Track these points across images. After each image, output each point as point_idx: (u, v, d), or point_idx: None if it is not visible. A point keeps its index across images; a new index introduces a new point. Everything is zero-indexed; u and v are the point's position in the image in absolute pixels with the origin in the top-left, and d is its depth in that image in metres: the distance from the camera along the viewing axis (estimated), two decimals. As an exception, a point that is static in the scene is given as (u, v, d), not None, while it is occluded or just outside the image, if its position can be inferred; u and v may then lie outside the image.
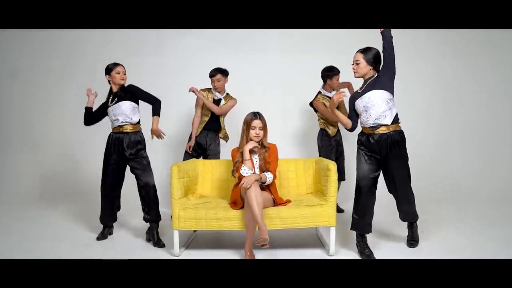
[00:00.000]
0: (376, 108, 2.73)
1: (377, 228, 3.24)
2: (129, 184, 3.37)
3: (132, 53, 4.73)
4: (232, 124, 4.20)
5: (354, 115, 2.90)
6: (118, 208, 3.39)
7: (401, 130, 2.83)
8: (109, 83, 3.27)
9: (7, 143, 5.24)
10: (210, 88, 3.91)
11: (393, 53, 2.73)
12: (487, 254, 2.79)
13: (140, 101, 3.29)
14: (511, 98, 5.06)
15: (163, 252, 2.99)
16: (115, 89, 3.24)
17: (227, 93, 3.95)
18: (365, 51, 2.79)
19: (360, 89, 2.84)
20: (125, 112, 3.17)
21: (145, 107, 3.34)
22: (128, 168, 3.29)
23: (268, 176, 2.89)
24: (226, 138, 4.00)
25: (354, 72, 2.84)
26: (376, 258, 2.78)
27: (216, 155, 3.89)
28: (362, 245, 2.84)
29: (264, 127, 2.93)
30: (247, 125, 2.92)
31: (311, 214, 2.81)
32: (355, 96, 2.86)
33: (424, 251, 2.90)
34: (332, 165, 2.87)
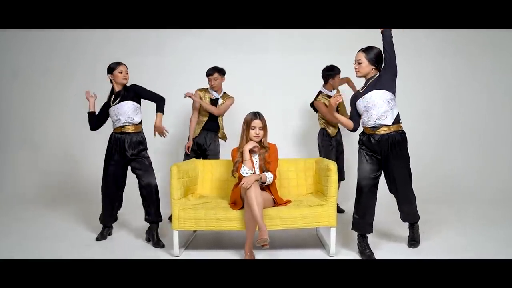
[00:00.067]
0: (377, 108, 2.72)
1: (378, 228, 3.24)
2: (129, 184, 3.36)
3: (132, 53, 4.72)
4: (231, 124, 4.19)
5: (355, 115, 2.90)
6: (119, 208, 3.37)
7: (403, 131, 2.82)
8: (111, 82, 3.25)
9: (7, 143, 5.23)
10: (207, 88, 3.89)
11: (393, 53, 2.72)
12: (488, 254, 2.79)
13: (141, 102, 3.27)
14: (511, 98, 5.05)
15: (162, 252, 2.99)
16: (117, 89, 3.22)
17: (224, 92, 3.95)
18: (367, 50, 2.78)
19: (362, 88, 2.84)
20: (127, 112, 3.15)
21: (147, 108, 3.33)
22: (129, 168, 3.28)
23: (268, 176, 2.88)
24: (224, 138, 3.99)
25: (356, 71, 2.83)
26: (377, 258, 2.78)
27: (216, 155, 3.88)
28: (363, 245, 2.83)
29: (264, 127, 2.93)
30: (247, 125, 2.92)
31: (311, 215, 2.80)
32: (356, 96, 2.85)
33: (425, 252, 2.89)
34: (333, 165, 2.86)
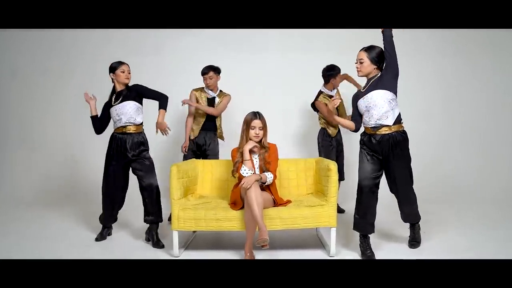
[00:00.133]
0: (378, 108, 2.71)
1: (379, 228, 3.22)
2: (129, 185, 3.35)
3: (132, 53, 4.71)
4: (229, 123, 4.18)
5: (357, 115, 2.88)
6: (119, 208, 3.36)
7: (404, 131, 2.80)
8: (113, 81, 3.22)
9: (6, 143, 5.22)
10: (203, 87, 3.87)
11: (394, 53, 2.71)
12: (489, 254, 2.78)
13: (143, 102, 3.26)
14: (511, 98, 5.05)
15: (162, 253, 2.98)
16: (119, 88, 3.20)
17: (220, 90, 3.92)
18: (369, 49, 2.77)
19: (363, 88, 2.83)
20: (129, 112, 3.13)
21: (147, 108, 3.31)
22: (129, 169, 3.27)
23: (268, 176, 2.87)
24: (221, 137, 3.97)
25: (358, 71, 2.82)
26: (378, 258, 2.77)
27: (216, 155, 3.87)
28: (364, 246, 2.82)
29: (264, 127, 2.92)
30: (247, 125, 2.91)
31: (311, 215, 2.79)
32: (357, 96, 2.84)
33: (426, 252, 2.88)
34: (333, 165, 2.86)
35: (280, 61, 4.98)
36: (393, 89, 2.74)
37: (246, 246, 2.76)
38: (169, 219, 3.43)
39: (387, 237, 3.21)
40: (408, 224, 3.03)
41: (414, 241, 2.98)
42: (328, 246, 2.91)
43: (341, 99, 4.10)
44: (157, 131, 3.22)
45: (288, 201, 3.00)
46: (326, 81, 3.99)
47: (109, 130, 3.31)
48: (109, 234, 3.37)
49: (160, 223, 3.22)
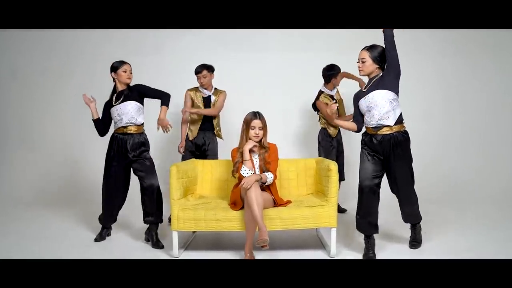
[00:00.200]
0: (379, 108, 2.69)
1: (380, 228, 3.21)
2: (130, 185, 3.34)
3: (131, 53, 4.70)
4: (230, 123, 4.17)
5: (358, 115, 2.87)
6: (119, 209, 3.35)
7: (405, 131, 2.79)
8: (114, 81, 3.20)
9: (5, 143, 5.21)
10: (197, 87, 3.85)
11: (395, 52, 2.69)
12: (489, 255, 2.77)
13: (144, 103, 3.24)
14: (511, 98, 5.03)
15: (162, 253, 2.97)
16: (120, 88, 3.18)
17: (215, 88, 3.89)
18: (371, 48, 2.75)
19: (365, 88, 2.81)
20: (131, 112, 3.11)
21: (147, 108, 3.30)
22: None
23: (269, 177, 2.86)
24: (220, 136, 3.93)
25: (360, 70, 2.80)
26: (378, 258, 2.76)
27: (215, 155, 3.85)
28: (367, 246, 2.81)
29: (264, 127, 2.91)
30: (247, 124, 2.90)
31: (311, 215, 2.78)
32: (359, 96, 2.83)
33: (426, 252, 2.87)
34: (333, 165, 2.84)
35: (280, 61, 4.97)
36: (395, 89, 2.72)
37: (246, 246, 2.75)
38: (169, 220, 3.41)
39: (388, 238, 3.20)
40: (409, 224, 3.01)
41: (415, 241, 2.97)
42: (328, 247, 2.90)
43: (341, 98, 4.12)
44: (158, 128, 3.19)
45: (288, 202, 2.99)
46: (327, 81, 3.99)
47: (109, 130, 3.30)
48: (109, 234, 3.36)
49: (160, 224, 3.21)
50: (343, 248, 3.01)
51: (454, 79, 5.05)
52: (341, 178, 4.01)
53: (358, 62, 2.80)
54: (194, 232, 3.35)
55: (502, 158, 4.98)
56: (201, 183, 3.33)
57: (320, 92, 4.01)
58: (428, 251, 2.89)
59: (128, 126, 3.14)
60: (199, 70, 3.78)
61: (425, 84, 5.01)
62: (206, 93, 3.83)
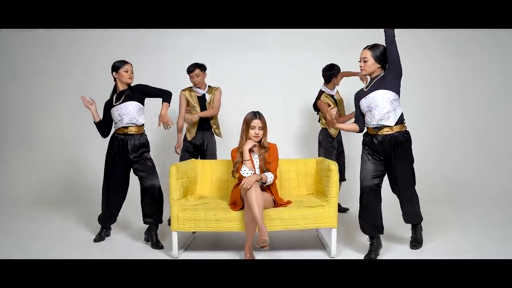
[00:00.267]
0: (380, 109, 2.68)
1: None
2: (129, 185, 3.32)
3: (131, 53, 4.68)
4: (230, 123, 4.16)
5: (360, 115, 2.84)
6: (119, 209, 3.33)
7: (406, 131, 2.77)
8: (115, 80, 3.17)
9: (4, 143, 5.19)
10: (191, 87, 3.82)
11: (396, 53, 2.66)
12: (491, 255, 2.76)
13: (144, 104, 3.22)
14: (512, 98, 5.04)
15: (161, 253, 2.96)
16: (121, 88, 3.15)
17: (209, 86, 3.86)
18: (373, 47, 2.73)
19: (366, 87, 2.79)
20: (132, 112, 3.09)
21: (147, 109, 3.28)
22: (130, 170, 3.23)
23: (269, 177, 2.85)
24: (218, 134, 3.90)
25: (361, 69, 2.78)
26: (379, 258, 2.75)
27: (214, 155, 3.83)
28: (371, 248, 2.78)
29: (263, 127, 2.90)
30: (247, 124, 2.89)
31: (312, 215, 2.77)
32: (360, 95, 2.81)
33: (427, 253, 2.86)
34: (334, 166, 2.83)
35: (280, 61, 4.96)
36: (395, 89, 2.70)
37: (246, 247, 2.74)
38: (169, 221, 3.39)
39: (389, 238, 3.18)
40: (409, 225, 3.00)
41: (416, 242, 2.95)
42: (328, 247, 2.88)
43: (341, 98, 4.11)
44: (159, 124, 3.15)
45: (289, 202, 2.97)
46: (327, 81, 3.98)
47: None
48: (108, 235, 3.34)
49: (159, 224, 3.19)
50: (344, 248, 2.99)
51: (455, 79, 5.04)
52: (342, 178, 4.00)
53: (360, 61, 2.78)
54: (193, 232, 3.33)
55: (503, 158, 4.97)
56: (201, 183, 3.31)
57: (321, 92, 3.99)
58: (429, 252, 2.88)
59: (129, 126, 3.12)
60: (191, 69, 3.74)
61: (425, 84, 5.00)
62: (200, 92, 3.79)
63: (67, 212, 4.19)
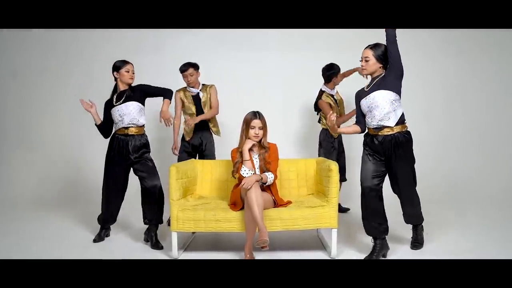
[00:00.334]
0: (380, 109, 2.66)
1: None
2: (129, 185, 3.32)
3: (130, 52, 4.67)
4: (230, 123, 4.15)
5: (360, 116, 2.82)
6: (118, 208, 3.32)
7: (407, 131, 2.75)
8: (115, 80, 3.16)
9: (4, 143, 5.18)
10: (185, 87, 3.79)
11: (397, 53, 2.64)
12: (491, 255, 2.76)
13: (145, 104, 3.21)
14: (513, 98, 5.04)
15: (161, 254, 2.95)
16: (122, 88, 3.14)
17: (203, 84, 3.82)
18: (374, 47, 2.72)
19: (367, 87, 2.77)
20: (132, 113, 3.07)
21: (148, 109, 3.27)
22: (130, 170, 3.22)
23: (269, 177, 2.84)
24: (217, 133, 3.88)
25: (363, 69, 2.76)
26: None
27: (213, 155, 3.81)
28: (373, 248, 2.76)
29: (263, 127, 2.89)
30: (247, 124, 2.88)
31: (312, 216, 2.76)
32: (360, 95, 2.79)
33: (428, 253, 2.86)
34: (334, 166, 2.82)
35: (280, 60, 4.96)
36: (396, 89, 2.68)
37: (246, 247, 2.73)
38: (168, 222, 3.38)
39: (389, 238, 3.14)
40: (410, 225, 2.99)
41: (417, 242, 2.94)
42: (329, 248, 2.88)
43: (341, 98, 4.10)
44: (161, 121, 3.14)
45: (289, 202, 2.97)
46: (327, 81, 3.97)
47: (108, 130, 3.28)
48: (107, 235, 3.34)
49: (159, 224, 3.18)
50: (344, 248, 2.98)
51: (455, 79, 5.03)
52: (343, 178, 3.99)
53: (361, 60, 2.76)
54: (193, 233, 3.33)
55: (503, 158, 4.96)
56: (200, 184, 3.30)
57: (321, 92, 3.98)
58: (429, 252, 2.88)
59: (130, 127, 3.11)
60: (184, 68, 3.70)
61: (426, 84, 4.99)
62: (194, 91, 3.76)
63: (67, 212, 4.19)
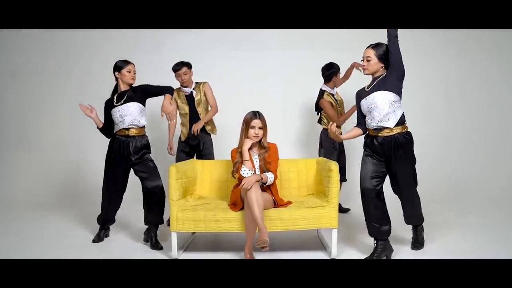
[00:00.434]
0: (379, 110, 2.64)
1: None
2: (128, 186, 3.31)
3: (130, 52, 4.66)
4: (230, 123, 4.14)
5: (361, 117, 2.81)
6: (117, 208, 3.31)
7: (408, 132, 2.73)
8: (116, 80, 3.14)
9: (3, 143, 5.17)
10: (179, 87, 3.75)
11: (398, 54, 2.63)
12: (491, 255, 2.75)
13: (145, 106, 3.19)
14: (514, 98, 5.03)
15: (161, 254, 2.94)
16: (123, 88, 3.11)
17: (196, 82, 3.79)
18: (376, 46, 2.70)
19: (368, 87, 2.76)
20: (134, 113, 3.05)
21: (149, 111, 3.26)
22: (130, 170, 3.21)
23: (269, 177, 2.84)
24: (212, 131, 3.85)
25: (364, 69, 2.75)
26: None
27: (211, 155, 3.79)
28: (374, 249, 2.75)
29: (263, 127, 2.88)
30: (247, 124, 2.87)
31: (312, 216, 2.75)
32: (361, 95, 2.78)
33: (428, 253, 2.85)
34: (334, 166, 2.81)
35: (280, 60, 4.95)
36: (396, 90, 2.66)
37: (246, 247, 2.73)
38: (168, 222, 3.37)
39: (390, 238, 3.16)
40: (411, 225, 2.98)
41: (417, 243, 2.93)
42: (329, 248, 2.87)
43: (341, 99, 4.09)
44: (162, 115, 3.12)
45: (289, 202, 2.96)
46: (327, 80, 3.97)
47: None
48: (107, 235, 3.33)
49: (160, 224, 3.17)
50: (344, 249, 2.98)
51: (456, 79, 5.03)
52: (343, 179, 3.98)
53: (363, 60, 2.74)
54: (193, 233, 3.32)
55: (504, 158, 4.96)
56: (200, 184, 3.29)
57: (322, 91, 3.97)
58: (429, 252, 2.87)
59: (131, 128, 3.09)
60: (178, 68, 3.67)
61: (426, 84, 4.99)
62: (187, 90, 3.73)
63: (66, 213, 4.18)
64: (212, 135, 3.87)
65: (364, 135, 2.86)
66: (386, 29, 2.69)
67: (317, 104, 4.02)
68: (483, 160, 4.94)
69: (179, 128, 3.87)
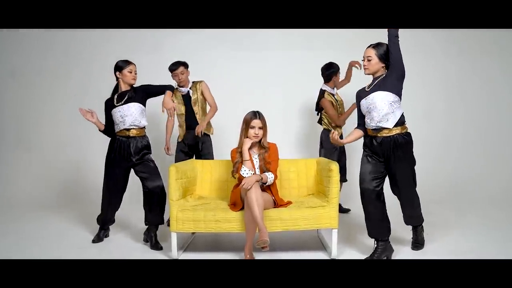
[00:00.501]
0: (378, 111, 2.64)
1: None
2: (128, 186, 3.31)
3: (130, 52, 4.66)
4: (230, 123, 4.14)
5: (361, 118, 2.80)
6: (117, 209, 3.31)
7: (407, 133, 2.72)
8: (117, 80, 3.13)
9: (2, 143, 5.16)
10: (176, 88, 3.74)
11: (399, 54, 2.63)
12: (491, 255, 2.75)
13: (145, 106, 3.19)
14: (515, 98, 5.03)
15: (160, 254, 2.94)
16: (123, 88, 3.11)
17: (193, 82, 3.77)
18: (377, 46, 2.69)
19: (368, 87, 2.75)
20: (134, 114, 3.05)
21: (149, 112, 3.26)
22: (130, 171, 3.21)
23: (269, 177, 2.83)
24: (209, 130, 3.82)
25: (365, 68, 2.73)
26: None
27: (210, 155, 3.79)
28: (374, 250, 2.74)
29: (263, 127, 2.88)
30: (246, 124, 2.87)
31: (312, 216, 2.75)
32: (361, 95, 2.77)
33: (428, 253, 2.85)
34: (334, 166, 2.81)
35: (280, 60, 4.95)
36: (396, 90, 2.65)
37: (246, 247, 2.73)
38: (168, 222, 3.37)
39: (390, 239, 3.16)
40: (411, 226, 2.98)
41: (417, 243, 2.93)
42: (329, 248, 2.87)
43: (341, 100, 4.09)
44: (163, 110, 3.11)
45: (289, 202, 2.96)
46: (327, 80, 3.97)
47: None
48: (106, 235, 3.33)
49: (160, 225, 3.17)
50: (344, 249, 2.97)
51: (457, 79, 5.02)
52: (343, 179, 3.98)
53: (364, 60, 2.74)
54: (193, 233, 3.32)
55: (504, 158, 4.96)
56: (200, 184, 3.29)
57: (323, 91, 3.97)
58: (429, 252, 2.87)
59: (131, 128, 3.08)
60: (174, 67, 3.65)
61: (427, 84, 4.98)
62: (184, 90, 3.72)
63: (66, 213, 4.18)
64: (211, 135, 3.86)
65: (364, 136, 2.85)
66: (386, 29, 2.68)
67: (317, 104, 4.02)
68: (483, 160, 4.94)
69: (177, 128, 3.87)
